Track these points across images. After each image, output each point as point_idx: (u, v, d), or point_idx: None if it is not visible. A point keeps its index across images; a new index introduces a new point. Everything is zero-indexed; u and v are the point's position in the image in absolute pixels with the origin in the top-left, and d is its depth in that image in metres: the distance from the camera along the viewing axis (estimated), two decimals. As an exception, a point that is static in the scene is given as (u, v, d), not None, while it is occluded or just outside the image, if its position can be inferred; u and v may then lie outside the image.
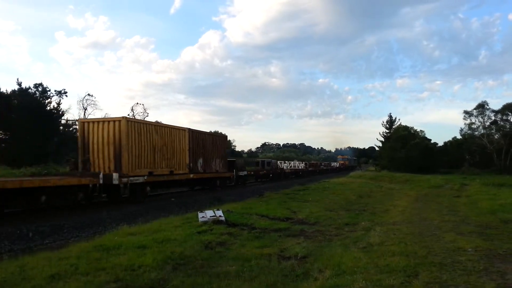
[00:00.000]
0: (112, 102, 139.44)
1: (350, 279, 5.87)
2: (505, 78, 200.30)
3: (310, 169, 59.54)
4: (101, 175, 15.59)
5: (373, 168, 69.56)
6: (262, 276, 6.14)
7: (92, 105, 48.38)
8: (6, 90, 39.58)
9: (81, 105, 47.02)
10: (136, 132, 18.01)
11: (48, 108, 41.17)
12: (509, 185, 27.72)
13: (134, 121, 20.07)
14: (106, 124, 17.76)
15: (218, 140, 27.34)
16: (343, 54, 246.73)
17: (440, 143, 61.35)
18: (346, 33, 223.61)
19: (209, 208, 13.65)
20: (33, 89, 42.17)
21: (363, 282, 5.66)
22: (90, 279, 5.82)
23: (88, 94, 49.60)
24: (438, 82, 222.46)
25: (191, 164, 22.50)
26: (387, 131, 69.44)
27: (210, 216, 11.25)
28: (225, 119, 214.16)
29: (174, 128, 21.37)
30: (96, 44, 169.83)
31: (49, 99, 42.21)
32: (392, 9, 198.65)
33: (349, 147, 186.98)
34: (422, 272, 6.22)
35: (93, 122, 18.23)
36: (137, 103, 58.20)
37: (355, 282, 5.69)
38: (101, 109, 49.48)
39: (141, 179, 17.94)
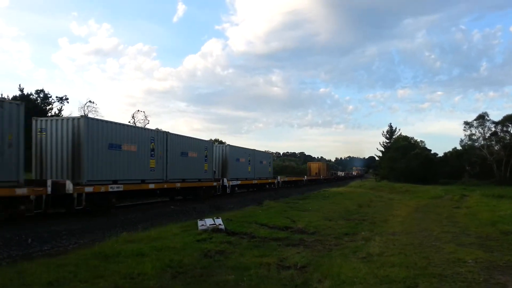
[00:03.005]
0: (113, 109, 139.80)
1: (349, 289, 5.85)
2: (506, 89, 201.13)
3: (346, 176, 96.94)
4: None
5: (372, 178, 69.59)
6: (262, 285, 6.12)
7: (93, 112, 48.54)
8: (8, 96, 39.77)
9: (82, 112, 47.11)
10: (321, 166, 68.03)
11: (49, 114, 41.28)
12: (509, 196, 27.66)
13: (322, 162, 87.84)
14: (316, 163, 74.79)
15: (328, 165, 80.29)
16: (344, 64, 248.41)
17: (440, 154, 61.53)
18: (348, 43, 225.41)
19: (208, 216, 13.63)
20: (34, 95, 42.42)
21: (363, 292, 5.64)
22: (88, 286, 5.81)
23: (89, 101, 49.75)
24: (439, 93, 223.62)
25: (327, 173, 69.53)
26: (387, 141, 69.61)
27: (210, 224, 11.24)
28: (225, 127, 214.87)
29: (323, 162, 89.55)
30: (99, 51, 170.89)
31: (50, 105, 42.42)
32: (394, 20, 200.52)
33: (349, 157, 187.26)
34: (422, 283, 6.20)
35: (311, 163, 75.20)
36: (138, 110, 58.48)
37: (355, 293, 5.67)
38: (102, 116, 49.58)
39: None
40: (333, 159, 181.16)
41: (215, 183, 25.69)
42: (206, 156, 24.81)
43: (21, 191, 12.18)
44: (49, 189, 13.14)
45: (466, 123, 54.70)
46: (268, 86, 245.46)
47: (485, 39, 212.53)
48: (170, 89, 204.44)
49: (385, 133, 71.33)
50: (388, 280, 6.35)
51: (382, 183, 50.60)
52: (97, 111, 49.66)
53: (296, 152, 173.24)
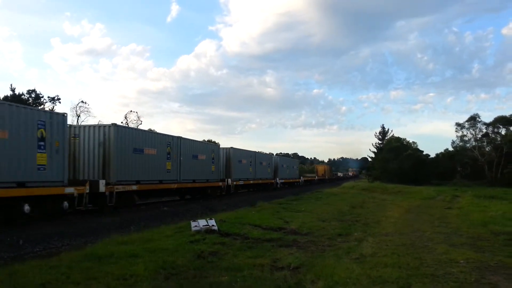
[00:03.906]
0: (106, 109, 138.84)
1: (342, 290, 5.87)
2: (497, 91, 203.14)
3: (344, 176, 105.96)
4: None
5: (365, 179, 69.93)
6: (255, 286, 6.13)
7: (85, 112, 48.35)
8: (-1, 96, 39.38)
9: (74, 112, 46.89)
10: (326, 168, 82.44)
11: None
12: (500, 197, 27.92)
13: (327, 165, 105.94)
14: (322, 166, 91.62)
15: (330, 167, 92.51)
16: (338, 65, 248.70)
17: (432, 155, 61.77)
18: (341, 45, 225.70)
19: (201, 217, 13.61)
20: (26, 95, 42.09)
21: (356, 293, 5.67)
22: (81, 288, 5.77)
23: (82, 101, 49.52)
24: (431, 94, 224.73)
25: (330, 174, 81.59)
26: (379, 142, 69.98)
27: (203, 225, 11.22)
28: (219, 128, 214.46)
29: (327, 165, 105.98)
30: (92, 51, 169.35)
31: (42, 106, 42.06)
32: (387, 22, 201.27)
33: (342, 158, 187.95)
34: (415, 284, 6.25)
35: (318, 165, 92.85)
36: (131, 111, 58.48)
37: (348, 293, 5.69)
38: (94, 116, 49.46)
39: None
40: (326, 160, 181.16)
41: (275, 181, 41.94)
42: (269, 164, 40.46)
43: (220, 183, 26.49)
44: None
45: (457, 124, 55.11)
46: (262, 87, 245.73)
47: (477, 41, 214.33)
48: (163, 90, 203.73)
49: (378, 134, 71.79)
50: (381, 280, 6.38)
51: (375, 184, 50.81)
52: (90, 112, 49.48)
53: (290, 153, 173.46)
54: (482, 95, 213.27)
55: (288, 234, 11.48)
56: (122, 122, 52.30)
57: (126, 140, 17.55)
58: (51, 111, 14.79)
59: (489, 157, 50.79)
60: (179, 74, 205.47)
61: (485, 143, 53.64)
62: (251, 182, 33.56)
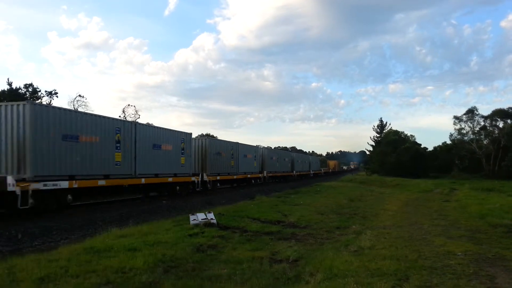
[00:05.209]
0: (104, 103, 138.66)
1: (341, 282, 5.89)
2: (495, 84, 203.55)
3: (348, 169, 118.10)
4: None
5: (363, 172, 70.12)
6: (254, 279, 6.13)
7: (83, 106, 47.98)
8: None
9: (72, 106, 46.59)
10: (336, 163, 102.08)
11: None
12: (498, 190, 28.06)
13: (336, 160, 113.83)
14: (332, 161, 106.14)
15: (339, 162, 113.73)
16: (336, 59, 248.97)
17: (430, 148, 62.02)
18: (340, 38, 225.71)
19: (200, 211, 13.62)
20: (23, 89, 41.80)
21: (354, 285, 5.69)
22: (80, 281, 5.76)
23: (79, 95, 49.15)
24: (429, 87, 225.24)
25: (338, 168, 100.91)
26: (378, 135, 70.11)
27: (202, 219, 11.23)
28: (217, 121, 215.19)
29: (337, 160, 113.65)
30: (89, 45, 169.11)
31: (39, 100, 41.83)
32: (385, 15, 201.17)
33: (340, 151, 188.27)
34: (413, 276, 6.27)
35: (330, 161, 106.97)
36: (129, 105, 58.22)
37: (347, 286, 5.71)
38: (92, 110, 49.21)
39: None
40: (324, 154, 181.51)
41: (309, 172, 61.12)
42: (307, 162, 59.99)
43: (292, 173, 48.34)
44: None
45: (455, 117, 55.24)
46: (260, 80, 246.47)
47: (475, 34, 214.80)
48: (161, 84, 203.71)
49: (376, 127, 71.91)
50: (379, 272, 6.40)
51: (373, 177, 51.01)
52: (87, 106, 49.12)
53: (288, 147, 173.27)
54: (481, 88, 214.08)
55: (286, 227, 11.51)
56: (120, 116, 52.15)
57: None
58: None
59: (486, 150, 50.98)
60: (177, 68, 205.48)
61: (482, 136, 53.81)
62: (301, 173, 54.78)
